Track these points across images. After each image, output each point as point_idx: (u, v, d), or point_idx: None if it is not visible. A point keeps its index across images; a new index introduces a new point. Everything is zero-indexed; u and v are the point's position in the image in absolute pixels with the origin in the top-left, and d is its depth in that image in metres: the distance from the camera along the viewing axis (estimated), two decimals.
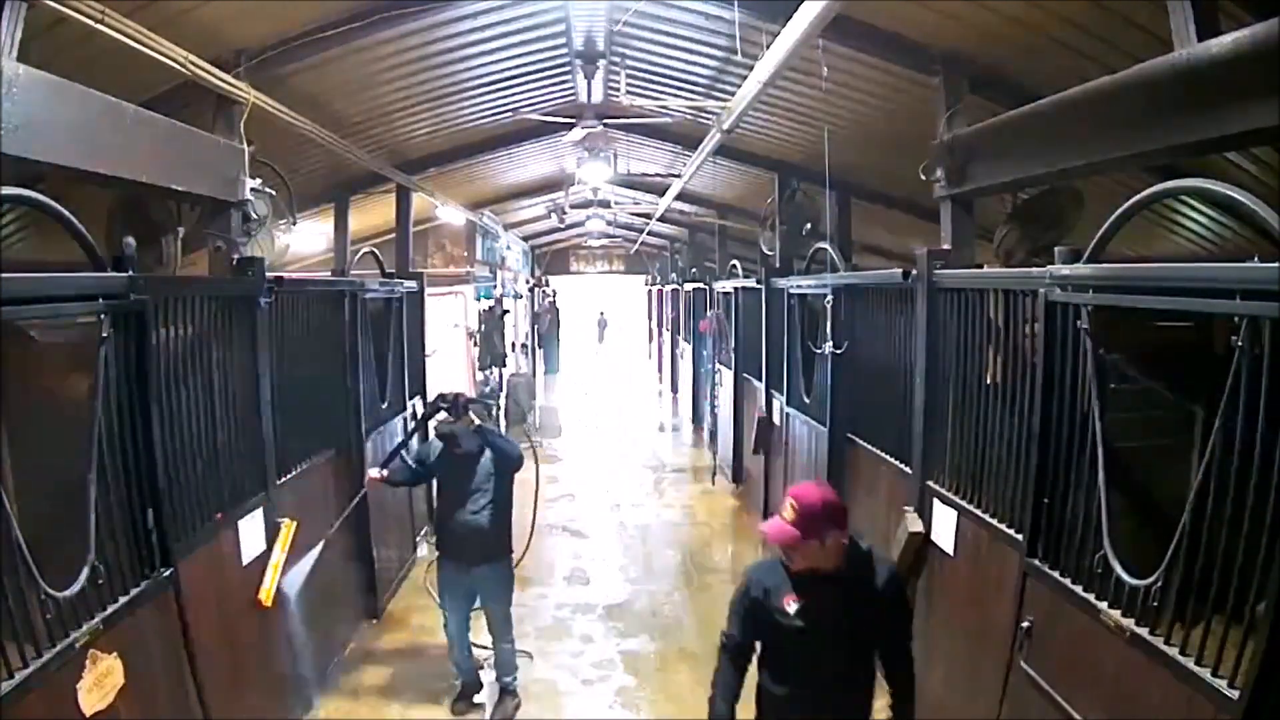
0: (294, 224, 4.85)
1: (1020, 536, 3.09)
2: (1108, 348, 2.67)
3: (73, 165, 2.79)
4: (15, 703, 2.10)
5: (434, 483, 4.89)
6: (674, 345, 17.04)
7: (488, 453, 4.19)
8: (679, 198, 10.00)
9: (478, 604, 4.47)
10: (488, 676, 4.61)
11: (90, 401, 2.60)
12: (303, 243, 7.41)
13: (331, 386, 5.17)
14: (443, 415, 4.21)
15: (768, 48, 3.86)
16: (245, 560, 3.69)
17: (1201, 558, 2.16)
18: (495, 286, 12.64)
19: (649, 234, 15.69)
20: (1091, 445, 2.66)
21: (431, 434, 4.44)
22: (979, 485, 3.56)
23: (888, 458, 4.61)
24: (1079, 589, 2.70)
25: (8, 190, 2.35)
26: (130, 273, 2.75)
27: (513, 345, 13.76)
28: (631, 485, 9.58)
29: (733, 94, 5.02)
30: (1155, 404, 2.79)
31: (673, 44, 5.55)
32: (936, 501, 3.90)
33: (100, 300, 2.60)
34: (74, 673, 2.36)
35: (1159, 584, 2.32)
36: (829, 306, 5.25)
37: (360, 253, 6.27)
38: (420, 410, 4.50)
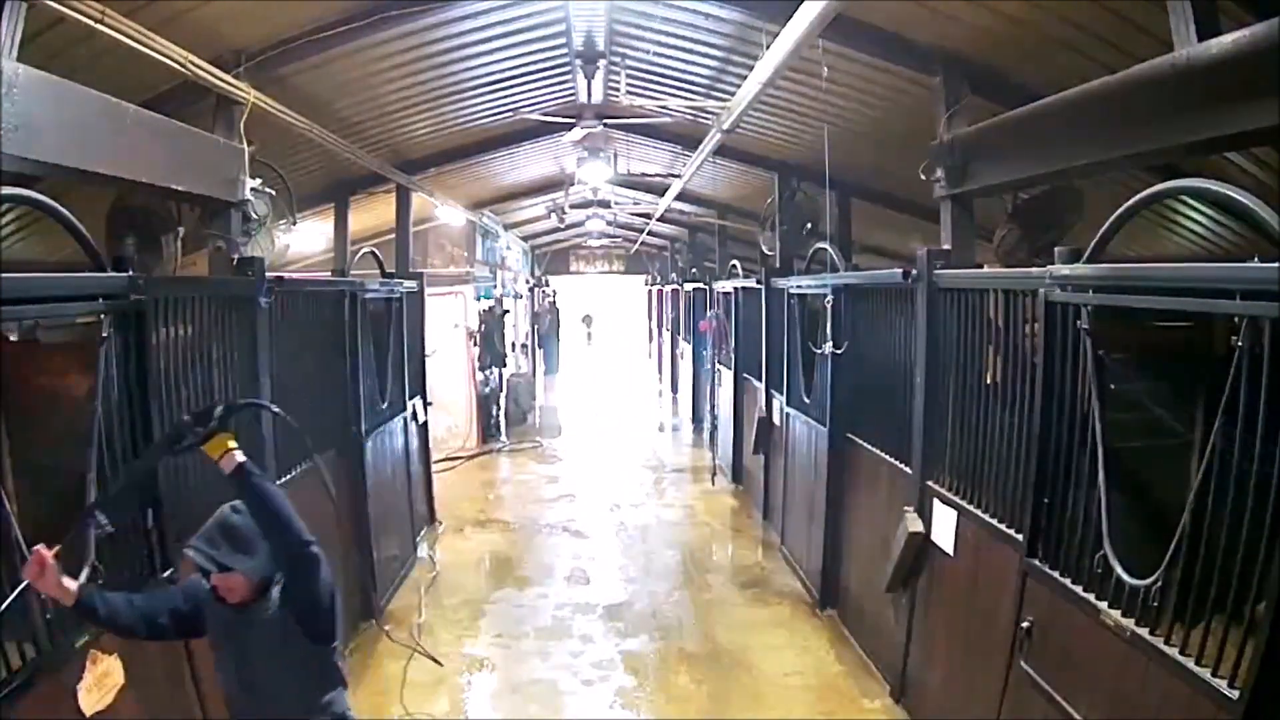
0: (294, 224, 4.86)
1: (1020, 536, 3.09)
2: (1108, 348, 2.67)
3: (73, 165, 2.79)
4: (15, 703, 2.10)
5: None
6: (674, 345, 17.03)
7: (274, 592, 2.38)
8: (679, 198, 10.01)
9: None
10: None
11: (90, 401, 2.60)
12: (303, 243, 7.41)
13: (331, 387, 5.17)
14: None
15: (768, 48, 3.87)
16: None
17: (1201, 558, 2.17)
18: (495, 286, 12.65)
19: (649, 234, 15.68)
20: (1091, 445, 2.66)
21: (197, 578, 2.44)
22: (979, 485, 3.56)
23: (888, 458, 4.61)
24: (1079, 589, 2.71)
25: (8, 190, 2.35)
26: (130, 273, 2.75)
27: (513, 345, 13.77)
28: (631, 485, 9.56)
29: (733, 94, 5.02)
30: (1155, 404, 2.79)
31: (673, 44, 5.55)
32: (936, 501, 3.90)
33: (100, 300, 2.60)
34: (74, 673, 2.36)
35: (1159, 584, 2.33)
36: (829, 306, 5.25)
37: (360, 253, 6.27)
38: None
